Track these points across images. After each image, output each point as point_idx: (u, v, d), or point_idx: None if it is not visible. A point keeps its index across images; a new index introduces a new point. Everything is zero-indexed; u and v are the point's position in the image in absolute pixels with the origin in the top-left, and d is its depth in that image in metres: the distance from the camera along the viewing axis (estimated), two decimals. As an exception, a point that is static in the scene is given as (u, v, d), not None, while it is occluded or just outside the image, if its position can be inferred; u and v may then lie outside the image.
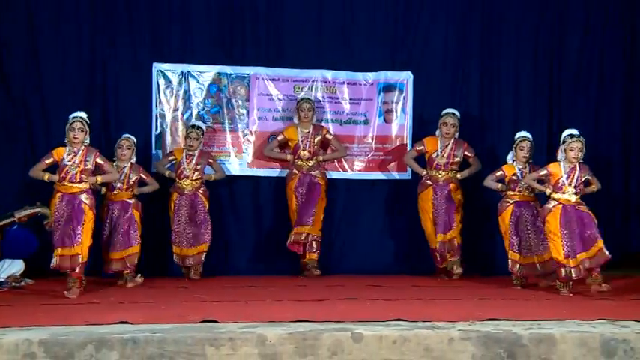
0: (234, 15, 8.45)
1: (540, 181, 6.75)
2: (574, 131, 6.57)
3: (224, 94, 8.39)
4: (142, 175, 7.51)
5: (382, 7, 8.60)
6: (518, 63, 8.62)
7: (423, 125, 8.38)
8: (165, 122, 8.27)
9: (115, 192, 7.34)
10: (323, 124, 8.32)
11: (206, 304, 5.75)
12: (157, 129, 8.20)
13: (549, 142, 8.26)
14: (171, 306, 5.63)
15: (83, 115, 6.64)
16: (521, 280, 7.09)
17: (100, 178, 6.73)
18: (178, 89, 8.34)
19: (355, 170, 8.52)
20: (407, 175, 8.45)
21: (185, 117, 8.30)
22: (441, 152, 7.72)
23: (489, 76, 8.62)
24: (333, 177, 8.37)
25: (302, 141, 7.98)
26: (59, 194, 6.52)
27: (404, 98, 8.54)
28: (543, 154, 7.84)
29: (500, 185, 7.24)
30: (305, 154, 7.94)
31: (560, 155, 6.58)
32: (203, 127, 7.97)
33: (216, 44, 8.46)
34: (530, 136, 7.24)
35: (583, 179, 6.58)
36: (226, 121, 8.40)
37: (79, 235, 6.37)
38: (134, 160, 7.48)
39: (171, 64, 8.33)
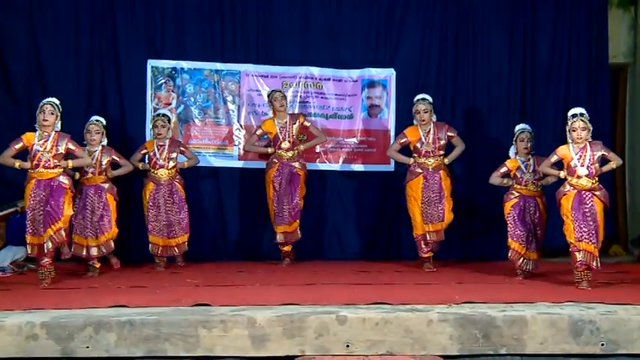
0: (226, 14, 8.46)
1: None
2: (577, 110, 5.99)
3: (216, 90, 8.42)
4: (114, 157, 7.11)
5: (366, 8, 8.62)
6: (491, 61, 8.66)
7: (405, 119, 8.37)
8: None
9: (87, 176, 6.95)
10: (311, 118, 8.28)
11: (199, 289, 5.78)
12: (151, 122, 8.20)
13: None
14: (166, 290, 5.66)
15: (55, 100, 6.27)
16: (524, 271, 6.61)
17: (71, 163, 6.33)
18: (172, 85, 8.35)
19: (340, 162, 8.55)
20: (390, 167, 8.48)
21: (178, 111, 8.33)
22: (425, 139, 7.30)
23: (464, 70, 8.65)
24: (320, 168, 8.41)
25: (281, 132, 7.64)
26: (34, 180, 6.15)
27: (387, 94, 8.58)
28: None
29: (506, 180, 6.80)
30: (286, 144, 7.61)
31: (568, 137, 5.98)
32: (169, 114, 7.76)
33: (208, 42, 8.48)
34: (529, 127, 6.84)
35: (596, 157, 5.89)
36: (218, 116, 8.43)
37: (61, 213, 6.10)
38: (105, 142, 7.09)
39: (165, 61, 8.35)
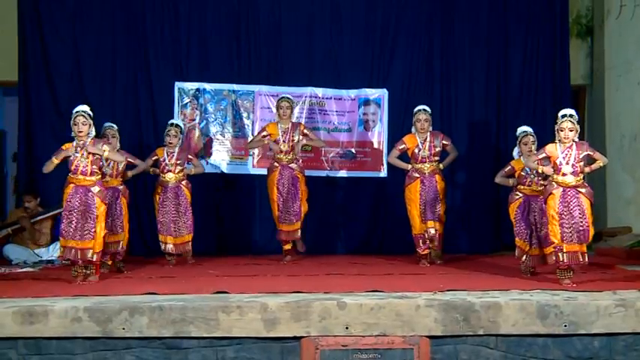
0: (242, 43, 8.51)
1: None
2: (567, 111, 5.39)
3: (233, 108, 8.44)
4: (129, 159, 6.72)
5: (362, 35, 8.63)
6: (472, 80, 8.65)
7: (396, 132, 8.37)
8: (184, 130, 8.18)
9: (105, 179, 6.32)
10: (315, 131, 8.11)
11: (218, 279, 5.78)
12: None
13: (497, 144, 8.41)
14: (191, 280, 5.66)
15: (85, 108, 5.67)
16: (529, 270, 5.94)
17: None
18: (195, 103, 8.38)
19: (340, 169, 8.54)
20: (383, 174, 8.47)
21: (201, 126, 8.35)
22: (422, 146, 6.94)
23: (448, 90, 8.64)
24: (323, 175, 8.40)
25: (282, 136, 7.29)
26: (72, 185, 5.65)
27: (380, 110, 8.59)
28: (491, 154, 7.93)
29: (511, 180, 6.17)
30: (285, 146, 7.27)
31: (557, 136, 5.38)
32: (181, 124, 7.45)
33: (226, 67, 8.51)
34: (531, 130, 6.20)
35: (581, 156, 5.30)
36: (235, 130, 8.46)
37: (94, 232, 5.58)
38: (119, 146, 6.64)
39: (190, 83, 8.37)
